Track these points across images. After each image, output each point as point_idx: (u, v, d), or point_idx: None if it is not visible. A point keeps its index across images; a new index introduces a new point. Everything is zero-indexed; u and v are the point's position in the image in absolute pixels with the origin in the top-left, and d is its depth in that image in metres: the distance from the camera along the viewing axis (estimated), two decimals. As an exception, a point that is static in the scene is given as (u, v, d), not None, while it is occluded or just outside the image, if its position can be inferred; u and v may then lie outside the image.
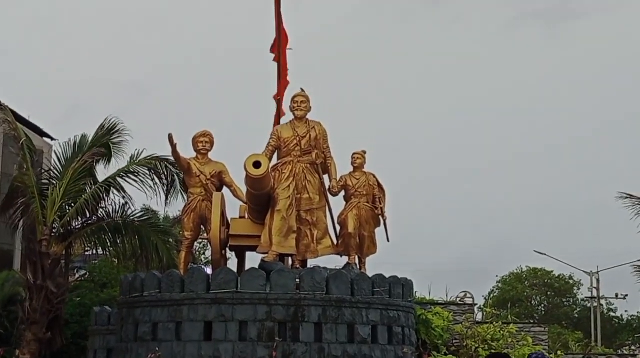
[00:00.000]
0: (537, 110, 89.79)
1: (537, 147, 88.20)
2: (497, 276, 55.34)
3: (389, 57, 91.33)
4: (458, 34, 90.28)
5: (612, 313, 51.48)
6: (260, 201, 13.82)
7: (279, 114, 15.46)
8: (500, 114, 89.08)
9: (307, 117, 14.27)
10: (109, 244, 18.94)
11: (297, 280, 12.78)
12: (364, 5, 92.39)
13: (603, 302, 48.84)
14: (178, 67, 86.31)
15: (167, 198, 18.03)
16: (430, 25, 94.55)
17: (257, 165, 12.94)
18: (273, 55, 15.68)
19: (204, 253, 31.61)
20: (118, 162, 18.58)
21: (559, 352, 20.99)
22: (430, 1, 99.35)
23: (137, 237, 18.50)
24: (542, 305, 54.94)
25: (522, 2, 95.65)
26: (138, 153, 18.31)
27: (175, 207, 18.51)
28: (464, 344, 18.77)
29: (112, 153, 18.58)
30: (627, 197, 20.66)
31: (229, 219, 14.37)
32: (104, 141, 18.40)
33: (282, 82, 15.64)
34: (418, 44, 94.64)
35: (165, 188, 18.09)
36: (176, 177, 17.76)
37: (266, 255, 13.58)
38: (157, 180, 18.12)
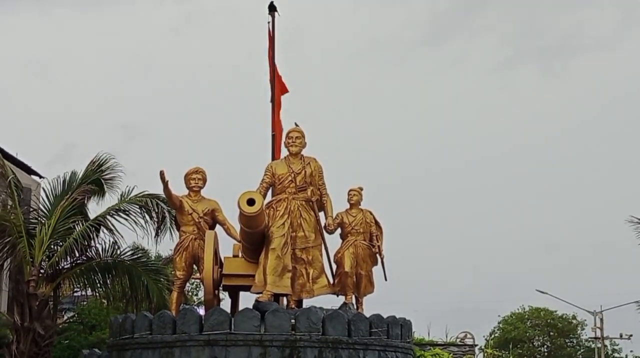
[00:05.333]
0: (538, 149, 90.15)
1: (539, 186, 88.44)
2: (498, 316, 55.10)
3: (389, 96, 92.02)
4: (458, 74, 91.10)
5: (616, 354, 50.93)
6: (254, 239, 13.52)
7: (278, 149, 15.29)
8: (502, 154, 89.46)
9: (302, 153, 14.00)
10: (98, 285, 18.59)
11: (293, 320, 12.46)
12: (364, 45, 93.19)
13: (607, 342, 48.31)
14: (173, 107, 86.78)
15: (157, 235, 17.74)
16: (431, 65, 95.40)
17: (250, 202, 12.66)
18: (268, 95, 15.69)
19: (196, 294, 31.43)
20: (112, 199, 18.38)
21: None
22: (431, 41, 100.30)
23: (127, 277, 18.15)
24: (545, 346, 54.34)
25: (519, 40, 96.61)
26: (129, 190, 18.09)
27: (167, 245, 18.31)
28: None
29: (105, 189, 18.34)
30: (638, 222, 20.34)
31: (222, 258, 14.09)
32: (94, 177, 18.17)
33: (277, 118, 15.59)
34: (418, 84, 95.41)
35: (155, 226, 17.79)
36: (167, 214, 17.47)
37: (260, 295, 13.24)
38: (147, 218, 17.85)
